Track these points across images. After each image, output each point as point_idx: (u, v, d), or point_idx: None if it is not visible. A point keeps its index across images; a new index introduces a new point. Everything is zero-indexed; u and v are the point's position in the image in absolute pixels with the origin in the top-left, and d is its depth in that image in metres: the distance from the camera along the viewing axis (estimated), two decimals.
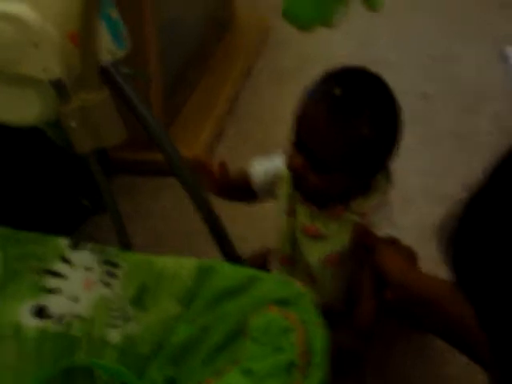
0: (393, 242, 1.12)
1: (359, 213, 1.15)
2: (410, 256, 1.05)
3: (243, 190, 1.29)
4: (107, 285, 1.04)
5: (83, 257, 1.06)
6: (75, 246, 1.07)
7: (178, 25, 2.02)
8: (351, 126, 1.07)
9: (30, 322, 1.01)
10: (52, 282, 1.04)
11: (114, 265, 1.05)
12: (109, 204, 1.06)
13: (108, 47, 0.96)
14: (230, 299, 0.95)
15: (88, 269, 1.05)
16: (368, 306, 1.14)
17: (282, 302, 0.90)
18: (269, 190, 1.25)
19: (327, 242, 1.18)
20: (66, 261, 1.06)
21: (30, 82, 0.93)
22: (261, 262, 1.35)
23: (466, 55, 2.39)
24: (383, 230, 1.14)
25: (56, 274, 1.05)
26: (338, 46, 2.42)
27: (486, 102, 2.22)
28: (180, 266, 1.01)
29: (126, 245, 1.09)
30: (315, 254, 1.19)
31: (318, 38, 2.36)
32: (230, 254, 1.12)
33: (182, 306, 0.99)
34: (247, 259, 1.39)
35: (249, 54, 2.46)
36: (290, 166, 1.13)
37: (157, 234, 1.70)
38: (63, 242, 1.08)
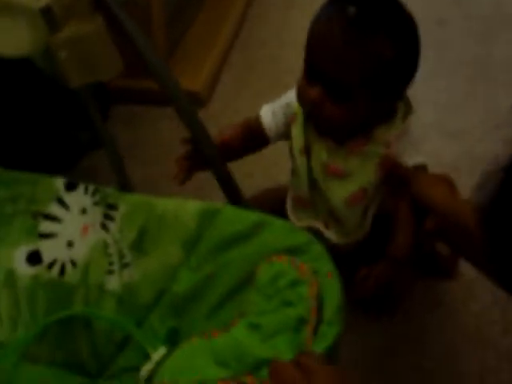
0: (425, 170, 1.08)
1: (383, 143, 1.08)
2: (449, 183, 0.97)
3: (254, 141, 1.21)
4: (105, 228, 0.98)
5: (79, 198, 1.00)
6: (71, 186, 1.01)
7: None
8: (369, 45, 0.98)
9: (24, 269, 0.97)
10: (47, 226, 0.99)
11: (112, 207, 0.99)
12: (106, 142, 0.99)
13: None
14: (235, 246, 0.89)
15: (84, 211, 0.99)
16: (405, 236, 1.11)
17: (292, 251, 0.84)
18: (280, 131, 1.17)
19: (351, 179, 1.11)
20: (61, 203, 1.00)
21: (19, 11, 0.86)
22: (278, 198, 1.28)
23: None
24: (411, 159, 1.08)
25: (51, 218, 0.99)
26: None
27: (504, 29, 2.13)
28: (182, 209, 0.95)
29: (124, 185, 1.02)
30: (339, 193, 1.12)
31: None
32: (231, 192, 1.04)
33: (184, 251, 0.93)
34: (265, 193, 1.34)
35: None
36: (305, 98, 1.05)
37: (155, 170, 1.64)
38: (58, 183, 1.01)
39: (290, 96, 1.15)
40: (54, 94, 1.32)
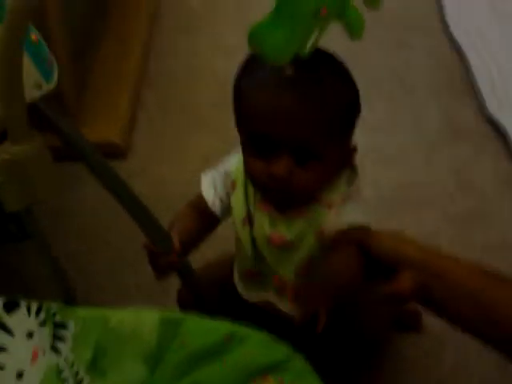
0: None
1: (327, 204, 1.00)
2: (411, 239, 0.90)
3: (205, 223, 1.12)
4: (55, 351, 0.89)
5: (23, 320, 0.91)
6: (11, 306, 0.92)
7: None
8: (324, 94, 0.91)
9: None
10: None
11: (61, 325, 0.91)
12: (45, 259, 0.92)
13: (34, 81, 0.85)
14: (206, 363, 0.83)
15: (31, 335, 0.91)
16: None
17: (272, 368, 0.78)
18: (226, 204, 1.09)
19: (297, 248, 1.03)
20: (3, 328, 0.91)
21: None
22: (226, 270, 1.21)
23: None
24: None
25: None
26: None
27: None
28: (140, 320, 0.88)
29: (68, 297, 0.94)
30: (286, 265, 1.06)
31: None
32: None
33: (147, 368, 0.86)
34: (213, 265, 1.27)
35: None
36: (265, 177, 0.95)
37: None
38: None
39: (228, 163, 1.08)
40: None
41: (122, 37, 2.10)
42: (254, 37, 0.79)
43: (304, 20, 0.79)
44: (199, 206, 1.10)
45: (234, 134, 1.79)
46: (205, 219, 1.10)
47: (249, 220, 1.05)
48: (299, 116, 0.90)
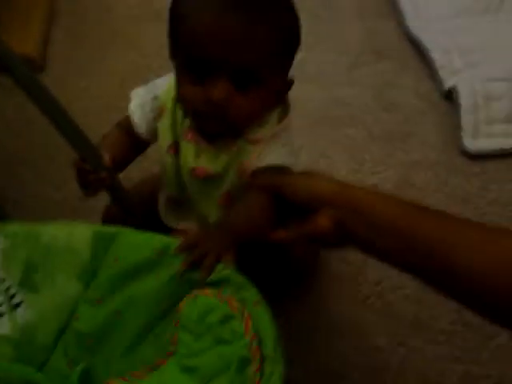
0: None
1: (252, 140, 0.98)
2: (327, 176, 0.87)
3: (134, 144, 1.08)
4: None
5: None
6: None
7: None
8: (267, 16, 0.87)
9: None
10: None
11: None
12: None
13: None
14: (140, 276, 0.83)
15: None
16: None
17: (211, 282, 0.78)
18: (151, 128, 1.05)
19: (218, 182, 1.02)
20: None
21: None
22: (150, 189, 1.20)
23: None
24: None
25: None
26: None
27: None
28: (72, 235, 0.87)
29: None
30: (206, 197, 1.05)
31: None
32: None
33: (81, 283, 0.86)
34: (136, 186, 1.25)
35: None
36: (201, 102, 0.90)
37: None
38: None
39: (157, 86, 1.04)
40: None
41: None
42: None
43: None
44: (128, 126, 1.06)
45: (152, 49, 1.77)
46: (133, 140, 1.07)
47: (175, 148, 1.02)
48: (243, 36, 0.86)
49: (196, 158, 1.00)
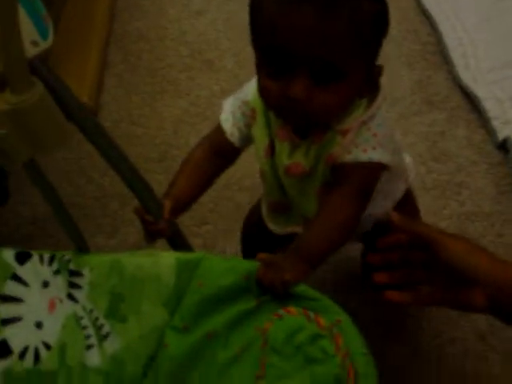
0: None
1: (341, 131, 0.98)
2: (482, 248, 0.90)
3: (222, 157, 1.11)
4: (72, 299, 0.95)
5: (37, 270, 0.96)
6: (23, 257, 0.97)
7: None
8: (347, 6, 0.86)
9: None
10: (8, 310, 0.94)
11: (76, 273, 0.96)
12: (54, 208, 0.96)
13: (30, 37, 0.86)
14: (226, 301, 0.88)
15: (46, 284, 0.96)
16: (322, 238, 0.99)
17: (294, 298, 0.84)
18: (244, 134, 1.08)
19: (313, 176, 1.03)
20: (17, 279, 0.95)
21: None
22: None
23: None
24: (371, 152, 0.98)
25: (10, 299, 0.95)
26: None
27: None
28: (156, 264, 0.93)
29: (82, 245, 0.98)
30: (305, 195, 1.06)
31: None
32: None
33: (167, 310, 0.92)
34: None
35: None
36: (283, 99, 0.91)
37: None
38: (7, 256, 0.96)
39: (245, 91, 1.07)
40: None
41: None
42: None
43: None
44: (217, 138, 1.10)
45: (203, 97, 1.87)
46: (221, 153, 1.11)
47: (271, 149, 1.05)
48: (322, 28, 0.85)
49: (289, 156, 1.02)
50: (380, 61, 1.95)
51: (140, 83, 1.96)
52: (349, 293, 1.41)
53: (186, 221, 1.33)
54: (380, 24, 0.92)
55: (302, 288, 0.86)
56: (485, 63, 1.96)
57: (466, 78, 1.91)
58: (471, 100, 1.87)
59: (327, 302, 0.84)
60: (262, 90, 0.95)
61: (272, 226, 1.19)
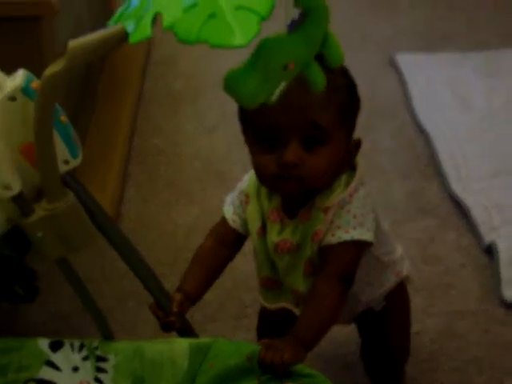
0: None
1: (323, 208, 1.14)
2: None
3: (230, 247, 1.27)
4: (99, 382, 1.10)
5: (68, 357, 1.11)
6: (56, 346, 1.12)
7: None
8: (330, 80, 0.98)
9: None
10: None
11: (102, 359, 1.11)
12: (83, 298, 1.13)
13: (62, 157, 0.98)
14: (233, 380, 1.03)
15: (76, 369, 1.11)
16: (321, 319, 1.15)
17: (292, 377, 0.98)
18: (244, 220, 1.23)
19: (300, 251, 1.18)
20: (51, 365, 1.11)
21: None
22: None
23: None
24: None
25: (45, 382, 1.10)
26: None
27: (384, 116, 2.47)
28: (171, 349, 1.08)
29: (107, 334, 1.14)
30: (293, 269, 1.21)
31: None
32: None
33: None
34: None
35: (135, 78, 2.62)
36: (276, 168, 1.08)
37: None
38: (42, 344, 1.12)
39: (242, 182, 1.24)
40: None
41: (110, 118, 2.39)
42: (229, 82, 0.89)
43: (274, 72, 0.90)
44: (222, 229, 1.26)
45: (214, 205, 2.07)
46: (227, 244, 1.27)
47: (263, 230, 1.20)
48: (306, 103, 1.04)
49: (279, 234, 1.18)
50: (377, 171, 2.17)
51: (157, 193, 2.16)
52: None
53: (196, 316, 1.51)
54: (352, 94, 1.12)
55: (300, 367, 1.01)
56: (474, 173, 2.16)
57: (457, 187, 2.09)
58: (461, 208, 2.05)
59: (321, 379, 0.99)
60: (258, 167, 1.12)
61: (264, 302, 1.31)
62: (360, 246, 1.15)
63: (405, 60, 2.74)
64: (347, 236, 1.12)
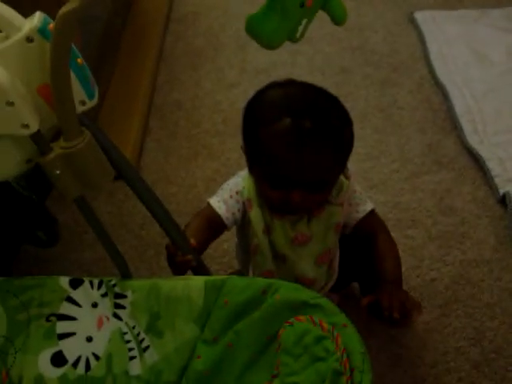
0: None
1: (337, 204, 1.31)
2: None
3: (214, 233, 1.36)
4: (117, 317, 1.13)
5: (87, 294, 1.14)
6: (76, 283, 1.15)
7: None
8: (337, 142, 1.19)
9: (51, 372, 1.11)
10: (63, 326, 1.13)
11: (121, 296, 1.14)
12: (102, 238, 1.14)
13: (79, 98, 0.99)
14: (248, 313, 1.05)
15: (95, 305, 1.14)
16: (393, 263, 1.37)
17: (303, 306, 1.01)
18: (236, 218, 1.34)
19: (316, 241, 1.32)
20: (71, 301, 1.14)
21: (6, 137, 0.97)
22: None
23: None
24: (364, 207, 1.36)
25: (66, 318, 1.14)
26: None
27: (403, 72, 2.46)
28: (188, 286, 1.11)
29: (125, 272, 1.17)
30: (307, 257, 1.33)
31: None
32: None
33: (197, 326, 1.09)
34: None
35: (157, 34, 2.62)
36: (282, 204, 1.23)
37: None
38: (63, 282, 1.15)
39: (235, 184, 1.34)
40: (13, 198, 1.45)
41: (132, 72, 2.40)
42: (250, 25, 0.92)
43: (292, 11, 0.93)
44: (210, 217, 1.34)
45: (233, 159, 2.09)
46: (213, 228, 1.35)
47: (267, 229, 1.31)
48: (314, 163, 1.17)
49: (293, 229, 1.30)
50: (395, 126, 2.18)
51: (177, 147, 2.18)
52: None
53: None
54: (351, 146, 1.24)
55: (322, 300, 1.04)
56: (490, 127, 2.15)
57: (473, 141, 2.10)
58: (477, 161, 2.05)
59: (331, 307, 1.02)
60: (266, 198, 1.26)
61: None
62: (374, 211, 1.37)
63: (424, 17, 2.74)
64: (368, 207, 1.36)
